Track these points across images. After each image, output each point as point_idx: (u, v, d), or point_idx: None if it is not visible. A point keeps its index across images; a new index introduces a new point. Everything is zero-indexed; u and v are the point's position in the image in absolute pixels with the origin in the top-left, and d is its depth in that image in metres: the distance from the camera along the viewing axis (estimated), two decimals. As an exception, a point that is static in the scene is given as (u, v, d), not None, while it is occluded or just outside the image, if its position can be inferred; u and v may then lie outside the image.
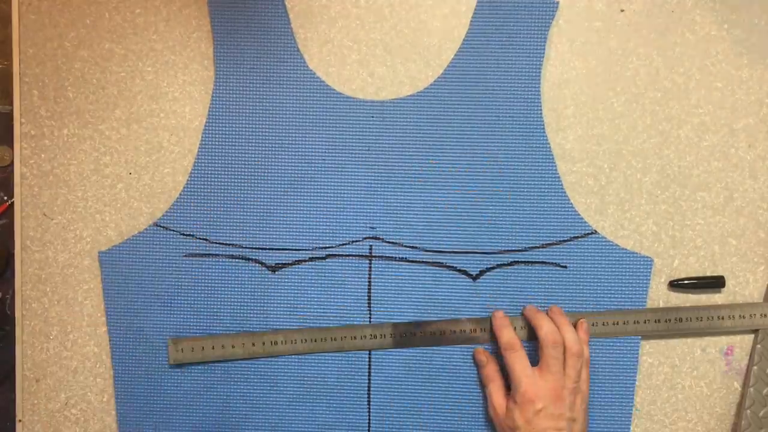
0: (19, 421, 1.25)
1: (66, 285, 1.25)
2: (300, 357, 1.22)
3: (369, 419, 1.23)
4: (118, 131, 1.25)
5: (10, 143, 1.25)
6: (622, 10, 1.23)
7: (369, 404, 1.23)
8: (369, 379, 1.23)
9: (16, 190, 1.25)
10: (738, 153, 1.23)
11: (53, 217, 1.25)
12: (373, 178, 1.23)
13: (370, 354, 1.23)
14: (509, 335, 1.18)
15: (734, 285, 1.23)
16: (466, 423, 1.22)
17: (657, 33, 1.23)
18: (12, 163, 1.25)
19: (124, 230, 1.25)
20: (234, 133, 1.23)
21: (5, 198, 1.26)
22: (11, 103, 1.25)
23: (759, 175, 1.23)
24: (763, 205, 1.23)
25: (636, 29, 1.23)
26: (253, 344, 1.22)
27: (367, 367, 1.23)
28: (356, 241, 1.23)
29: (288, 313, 1.23)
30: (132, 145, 1.25)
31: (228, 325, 1.23)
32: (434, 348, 1.22)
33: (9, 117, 1.25)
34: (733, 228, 1.23)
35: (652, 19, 1.23)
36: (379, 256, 1.23)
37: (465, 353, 1.23)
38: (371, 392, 1.23)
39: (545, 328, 1.15)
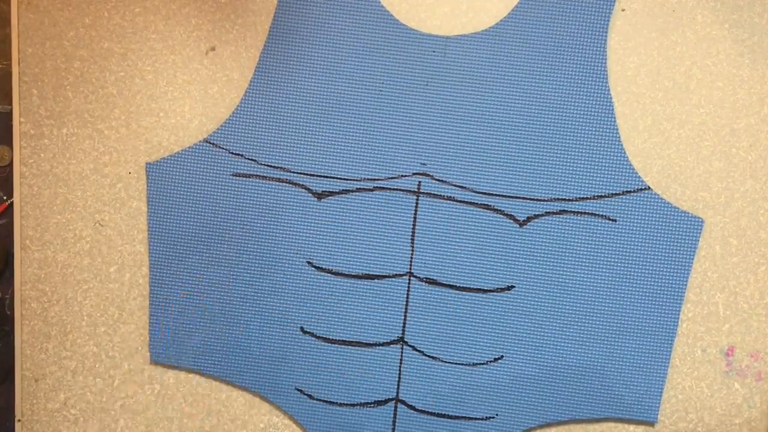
0: (18, 420, 1.26)
1: (65, 285, 1.26)
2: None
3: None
4: (118, 131, 1.25)
5: (9, 143, 1.25)
6: (623, 10, 1.22)
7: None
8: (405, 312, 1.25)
9: (16, 189, 1.25)
10: (739, 153, 1.23)
11: (53, 216, 1.25)
12: (428, 113, 1.22)
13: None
14: None
15: (735, 286, 1.23)
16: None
17: (658, 32, 1.23)
18: (11, 163, 1.25)
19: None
20: (292, 56, 1.24)
21: (5, 198, 1.26)
22: (11, 103, 1.25)
23: (760, 176, 1.22)
24: (765, 206, 1.22)
25: (637, 29, 1.22)
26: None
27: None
28: (405, 175, 1.22)
29: (329, 241, 1.23)
30: (131, 144, 1.25)
31: (267, 247, 1.24)
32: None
33: (8, 117, 1.25)
34: (733, 228, 1.23)
35: (653, 19, 1.22)
36: (426, 193, 1.22)
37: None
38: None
39: None
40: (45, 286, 1.26)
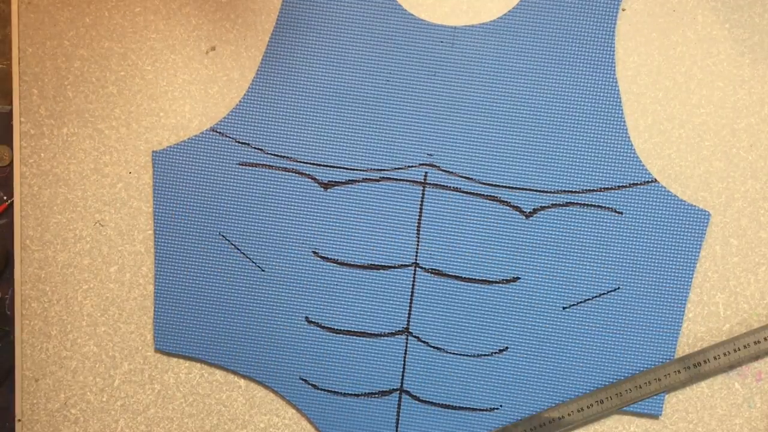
0: (19, 420, 1.26)
1: (66, 285, 1.25)
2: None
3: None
4: (118, 130, 1.25)
5: (9, 143, 1.25)
6: (623, 9, 1.22)
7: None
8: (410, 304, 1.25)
9: (16, 189, 1.25)
10: (739, 153, 1.23)
11: (53, 216, 1.25)
12: (435, 104, 1.22)
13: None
14: None
15: (735, 285, 1.23)
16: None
17: (658, 32, 1.23)
18: (11, 163, 1.25)
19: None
20: (299, 45, 1.24)
21: (5, 198, 1.26)
22: (11, 103, 1.25)
23: (760, 176, 1.22)
24: (765, 206, 1.22)
25: (637, 29, 1.23)
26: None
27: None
28: (412, 166, 1.22)
29: (335, 231, 1.23)
30: (132, 144, 1.25)
31: (273, 237, 1.24)
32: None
33: (8, 116, 1.25)
34: (734, 228, 1.23)
35: (653, 19, 1.23)
36: (433, 184, 1.22)
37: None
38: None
39: None
40: (45, 286, 1.25)
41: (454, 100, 1.22)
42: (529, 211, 1.22)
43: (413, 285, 1.23)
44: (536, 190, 1.22)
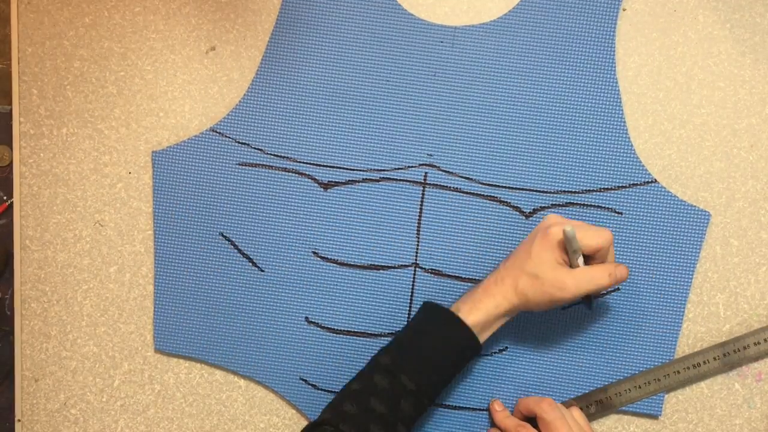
0: (18, 420, 1.25)
1: (65, 285, 1.25)
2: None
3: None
4: (118, 130, 1.25)
5: (9, 143, 1.25)
6: (624, 9, 1.22)
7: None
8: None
9: (16, 189, 1.25)
10: (740, 153, 1.22)
11: (53, 216, 1.25)
12: (435, 104, 1.22)
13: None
14: (514, 422, 1.18)
15: (735, 286, 1.22)
16: None
17: (659, 32, 1.23)
18: (11, 163, 1.25)
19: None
20: (299, 45, 1.24)
21: (4, 198, 1.26)
22: (10, 103, 1.25)
23: (761, 176, 1.22)
24: (765, 206, 1.22)
25: (638, 28, 1.22)
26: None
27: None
28: (412, 166, 1.22)
29: (335, 232, 1.23)
30: (131, 144, 1.25)
31: (273, 237, 1.24)
32: None
33: (8, 116, 1.25)
34: (734, 229, 1.22)
35: (654, 19, 1.22)
36: (433, 184, 1.22)
37: None
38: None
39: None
40: (45, 286, 1.25)
41: (454, 100, 1.22)
42: (528, 211, 1.21)
43: (413, 285, 1.22)
44: (536, 191, 1.21)
